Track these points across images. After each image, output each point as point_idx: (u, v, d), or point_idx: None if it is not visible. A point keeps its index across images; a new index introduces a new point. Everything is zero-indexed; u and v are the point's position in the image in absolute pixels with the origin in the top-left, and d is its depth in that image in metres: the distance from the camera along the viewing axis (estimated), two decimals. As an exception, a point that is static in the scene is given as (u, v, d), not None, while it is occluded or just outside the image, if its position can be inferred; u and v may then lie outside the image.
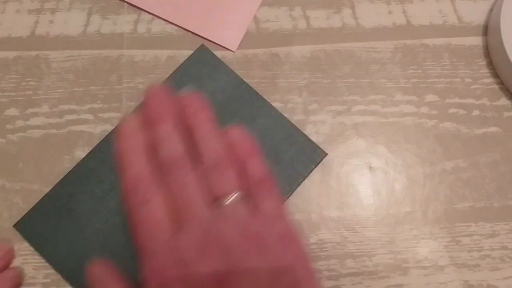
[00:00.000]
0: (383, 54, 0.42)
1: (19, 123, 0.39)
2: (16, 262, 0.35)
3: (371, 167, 0.39)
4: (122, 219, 0.36)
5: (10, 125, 0.39)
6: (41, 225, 0.36)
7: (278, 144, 0.39)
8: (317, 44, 0.42)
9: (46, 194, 0.37)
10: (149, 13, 0.43)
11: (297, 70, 0.42)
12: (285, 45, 0.42)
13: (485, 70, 0.42)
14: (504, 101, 0.41)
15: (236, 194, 0.22)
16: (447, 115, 0.40)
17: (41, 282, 0.35)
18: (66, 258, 0.35)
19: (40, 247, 0.36)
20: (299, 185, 0.38)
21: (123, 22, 0.43)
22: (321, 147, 0.39)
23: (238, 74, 0.41)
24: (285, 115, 0.39)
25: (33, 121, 0.39)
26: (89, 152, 0.38)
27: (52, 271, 0.35)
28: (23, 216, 0.36)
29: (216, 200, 0.22)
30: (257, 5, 0.43)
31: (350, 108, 0.41)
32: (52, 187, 0.37)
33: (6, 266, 0.28)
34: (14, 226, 0.36)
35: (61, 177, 0.37)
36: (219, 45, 0.42)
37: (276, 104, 0.40)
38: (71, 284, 0.35)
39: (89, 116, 0.40)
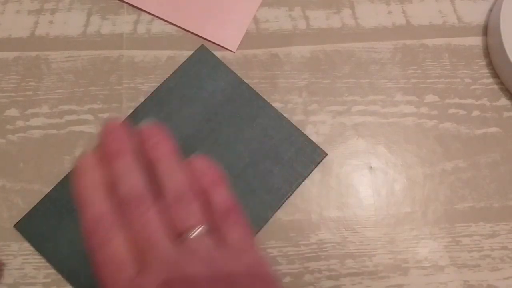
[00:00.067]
0: (383, 54, 0.42)
1: (19, 123, 0.39)
2: (16, 262, 0.36)
3: (371, 168, 0.39)
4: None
5: (10, 125, 0.39)
6: (42, 225, 0.36)
7: (278, 144, 0.39)
8: (317, 44, 0.42)
9: (47, 195, 0.37)
10: (149, 13, 0.43)
11: (297, 70, 0.42)
12: (285, 46, 0.42)
13: (485, 70, 0.42)
14: (504, 101, 0.41)
15: (201, 228, 0.22)
16: (447, 116, 0.40)
17: (41, 282, 0.35)
18: (67, 258, 0.35)
19: (40, 247, 0.36)
20: (299, 185, 0.38)
21: (123, 23, 0.43)
22: (321, 147, 0.39)
23: (238, 75, 0.41)
24: (285, 115, 0.40)
25: (33, 122, 0.39)
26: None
27: (52, 271, 0.35)
28: (24, 216, 0.36)
29: (180, 235, 0.21)
30: (256, 6, 0.43)
31: (350, 108, 0.41)
32: (52, 187, 0.37)
33: None
34: (15, 226, 0.36)
35: (62, 177, 0.37)
36: (219, 45, 0.42)
37: (276, 105, 0.40)
38: (71, 284, 0.35)
39: (89, 117, 0.40)
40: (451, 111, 0.41)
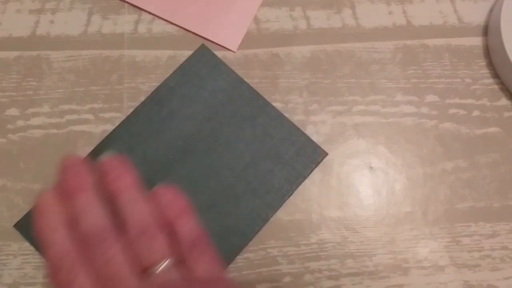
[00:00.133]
0: (384, 55, 0.42)
1: (20, 123, 0.39)
2: (16, 262, 0.36)
3: (371, 167, 0.39)
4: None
5: (11, 125, 0.39)
6: (42, 225, 0.36)
7: (279, 144, 0.39)
8: (317, 44, 0.42)
9: (47, 194, 0.37)
10: (150, 13, 0.43)
11: (297, 70, 0.42)
12: (286, 45, 0.42)
13: (485, 71, 0.42)
14: (504, 101, 0.41)
15: (167, 261, 0.21)
16: (447, 116, 0.41)
17: (41, 282, 0.35)
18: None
19: (40, 247, 0.36)
20: (300, 185, 0.38)
21: (124, 22, 0.43)
22: (321, 147, 0.39)
23: (239, 74, 0.41)
24: (286, 115, 0.40)
25: (34, 121, 0.39)
26: (89, 152, 0.38)
27: (52, 271, 0.35)
28: (24, 216, 0.36)
29: (146, 270, 0.21)
30: (257, 6, 0.43)
31: (350, 108, 0.41)
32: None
33: None
34: (15, 226, 0.36)
35: (62, 177, 0.37)
36: (220, 45, 0.42)
37: (276, 104, 0.40)
38: (71, 284, 0.35)
39: (90, 116, 0.40)
40: (452, 111, 0.41)
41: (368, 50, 0.42)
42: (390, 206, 0.38)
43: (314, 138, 0.39)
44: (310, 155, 0.38)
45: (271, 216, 0.37)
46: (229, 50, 0.42)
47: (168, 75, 0.40)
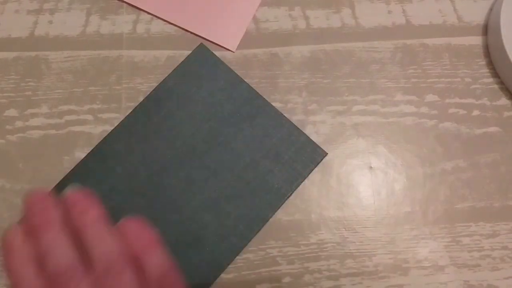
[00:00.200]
0: (383, 54, 0.42)
1: (19, 123, 0.39)
2: (16, 263, 0.36)
3: (371, 167, 0.39)
4: (121, 219, 0.36)
5: (9, 126, 0.39)
6: (41, 226, 0.36)
7: (278, 144, 0.39)
8: (317, 44, 0.42)
9: (46, 195, 0.37)
10: (148, 13, 0.43)
11: (297, 70, 0.42)
12: (285, 45, 0.42)
13: (485, 70, 0.42)
14: (504, 101, 0.41)
15: None
16: (447, 115, 0.40)
17: (41, 283, 0.35)
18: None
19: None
20: (299, 185, 0.38)
21: (122, 23, 0.43)
22: (321, 147, 0.39)
23: (238, 74, 0.41)
24: (285, 115, 0.39)
25: (33, 122, 0.39)
26: (88, 153, 0.38)
27: (52, 272, 0.35)
28: (24, 216, 0.36)
29: None
30: (256, 5, 0.43)
31: (350, 108, 0.40)
32: (52, 187, 0.37)
33: None
34: (14, 227, 0.36)
35: (61, 177, 0.37)
36: (219, 45, 0.42)
37: (276, 104, 0.40)
38: (71, 285, 0.35)
39: (89, 117, 0.40)
40: (451, 110, 0.41)
41: (368, 49, 0.42)
42: (390, 206, 0.38)
43: (314, 138, 0.39)
44: (310, 155, 0.38)
45: (271, 216, 0.37)
46: (228, 50, 0.42)
47: (167, 75, 0.40)
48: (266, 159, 0.38)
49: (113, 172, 0.38)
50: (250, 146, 0.38)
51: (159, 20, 0.43)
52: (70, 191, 0.24)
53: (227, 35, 0.42)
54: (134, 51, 0.42)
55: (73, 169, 0.38)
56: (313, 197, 0.38)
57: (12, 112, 0.40)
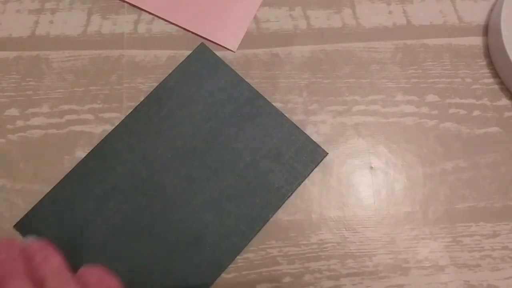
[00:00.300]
0: (384, 54, 0.42)
1: (19, 123, 0.39)
2: (16, 262, 0.36)
3: (371, 167, 0.39)
4: (122, 219, 0.36)
5: (10, 125, 0.39)
6: (42, 225, 0.36)
7: (279, 143, 0.39)
8: (317, 44, 0.42)
9: (47, 194, 0.37)
10: (149, 13, 0.43)
11: (297, 70, 0.42)
12: (286, 45, 0.42)
13: (486, 70, 0.42)
14: (504, 101, 0.41)
15: None
16: (447, 115, 0.40)
17: (41, 282, 0.35)
18: (66, 258, 0.35)
19: (40, 247, 0.36)
20: (300, 185, 0.38)
21: (123, 22, 0.43)
22: (321, 147, 0.39)
23: (239, 74, 0.41)
24: (286, 115, 0.39)
25: (34, 121, 0.39)
26: (89, 152, 0.38)
27: (52, 271, 0.35)
28: (23, 217, 0.36)
29: None
30: (257, 5, 0.43)
31: (350, 108, 0.41)
32: (52, 187, 0.37)
33: None
34: (15, 226, 0.36)
35: (62, 177, 0.37)
36: (219, 45, 0.42)
37: (276, 104, 0.40)
38: (71, 284, 0.35)
39: (90, 116, 0.40)
40: (452, 111, 0.41)
41: (368, 49, 0.42)
42: (390, 206, 0.38)
43: (314, 138, 0.39)
44: (310, 155, 0.38)
45: (271, 216, 0.37)
46: (229, 50, 0.42)
47: (168, 75, 0.40)
48: (266, 159, 0.38)
49: (114, 172, 0.38)
50: (250, 146, 0.38)
51: (160, 20, 0.43)
52: (30, 241, 0.25)
53: (228, 35, 0.42)
54: (135, 51, 0.42)
55: (73, 168, 0.38)
56: (313, 197, 0.38)
57: (13, 112, 0.40)
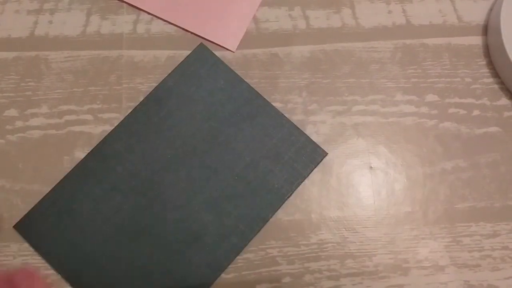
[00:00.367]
0: (383, 54, 0.42)
1: (19, 123, 0.39)
2: (16, 263, 0.36)
3: (371, 167, 0.39)
4: (122, 219, 0.36)
5: (9, 125, 0.39)
6: (41, 225, 0.36)
7: (278, 144, 0.39)
8: (317, 44, 0.42)
9: (46, 195, 0.37)
10: (148, 13, 0.43)
11: (297, 70, 0.42)
12: (285, 45, 0.42)
13: (485, 70, 0.42)
14: (504, 101, 0.41)
15: None
16: (447, 115, 0.40)
17: (41, 283, 0.35)
18: (66, 258, 0.35)
19: (40, 247, 0.36)
20: (299, 185, 0.38)
21: (123, 23, 0.43)
22: (321, 147, 0.39)
23: (238, 74, 0.41)
24: (285, 115, 0.39)
25: (33, 122, 0.39)
26: (88, 153, 0.38)
27: (52, 271, 0.35)
28: (23, 217, 0.36)
29: None
30: (256, 5, 0.43)
31: (350, 108, 0.40)
32: (52, 187, 0.37)
33: None
34: (14, 226, 0.36)
35: (61, 177, 0.37)
36: (219, 45, 0.42)
37: (276, 104, 0.40)
38: (71, 284, 0.35)
39: (89, 117, 0.40)
40: (451, 110, 0.41)
41: (368, 49, 0.42)
42: (390, 206, 0.38)
43: (314, 138, 0.39)
44: (310, 155, 0.38)
45: (271, 216, 0.37)
46: (228, 50, 0.42)
47: (167, 75, 0.40)
48: (266, 159, 0.38)
49: (114, 172, 0.38)
50: (250, 146, 0.38)
51: (159, 20, 0.43)
52: (18, 270, 0.25)
53: (227, 35, 0.42)
54: (134, 51, 0.42)
55: (73, 169, 0.38)
56: (313, 197, 0.38)
57: (12, 112, 0.40)
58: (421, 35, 0.43)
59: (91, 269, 0.35)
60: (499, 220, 0.38)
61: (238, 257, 0.36)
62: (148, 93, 0.40)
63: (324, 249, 0.37)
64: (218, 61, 0.41)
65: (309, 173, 0.38)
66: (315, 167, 0.38)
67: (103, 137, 0.39)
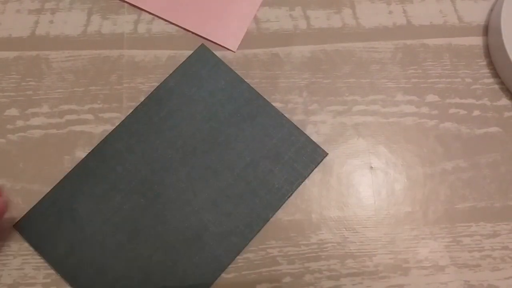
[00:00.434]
0: (384, 54, 0.42)
1: (20, 123, 0.39)
2: (16, 262, 0.36)
3: (371, 167, 0.39)
4: (122, 219, 0.36)
5: (10, 125, 0.39)
6: (41, 225, 0.36)
7: (279, 144, 0.39)
8: (317, 44, 0.42)
9: (46, 194, 0.37)
10: (149, 13, 0.43)
11: (297, 70, 0.42)
12: (286, 45, 0.42)
13: (486, 70, 0.42)
14: (504, 101, 0.41)
15: None
16: (447, 115, 0.40)
17: (41, 282, 0.35)
18: (66, 258, 0.35)
19: (40, 247, 0.36)
20: (300, 185, 0.38)
21: (123, 22, 0.43)
22: (321, 147, 0.39)
23: (239, 74, 0.41)
24: (286, 115, 0.39)
25: (34, 121, 0.39)
26: (89, 152, 0.38)
27: (52, 271, 0.35)
28: (23, 216, 0.36)
29: None
30: (257, 5, 0.43)
31: (350, 108, 0.41)
32: (52, 187, 0.37)
33: None
34: (14, 226, 0.36)
35: (61, 177, 0.37)
36: (220, 45, 0.42)
37: (276, 104, 0.40)
38: (71, 284, 0.35)
39: (89, 116, 0.40)
40: (452, 111, 0.41)
41: (368, 50, 0.42)
42: (390, 206, 0.38)
43: (314, 138, 0.39)
44: (310, 155, 0.38)
45: (271, 216, 0.37)
46: (229, 50, 0.42)
47: (168, 75, 0.40)
48: (266, 159, 0.38)
49: (114, 172, 0.38)
50: (250, 146, 0.38)
51: (160, 20, 0.43)
52: None
53: (228, 35, 0.42)
54: (135, 51, 0.42)
55: (73, 168, 0.38)
56: (313, 197, 0.38)
57: (13, 112, 0.40)
58: (422, 36, 0.43)
59: (91, 269, 0.35)
60: (499, 220, 0.38)
61: (238, 257, 0.36)
62: (149, 93, 0.40)
63: (324, 249, 0.37)
64: (219, 62, 0.41)
65: (309, 173, 0.38)
66: (316, 167, 0.38)
67: (104, 136, 0.39)
